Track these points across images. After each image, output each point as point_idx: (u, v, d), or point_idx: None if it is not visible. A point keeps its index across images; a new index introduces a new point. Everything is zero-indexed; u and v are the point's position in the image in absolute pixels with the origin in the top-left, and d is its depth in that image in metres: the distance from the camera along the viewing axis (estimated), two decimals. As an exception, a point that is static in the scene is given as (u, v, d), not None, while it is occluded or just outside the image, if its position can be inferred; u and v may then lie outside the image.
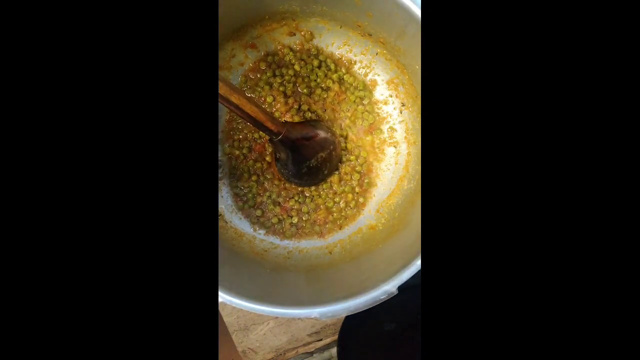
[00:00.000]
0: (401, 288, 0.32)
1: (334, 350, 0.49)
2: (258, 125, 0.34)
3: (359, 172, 0.43)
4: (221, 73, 0.43)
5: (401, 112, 0.43)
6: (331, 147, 0.41)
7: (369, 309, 0.32)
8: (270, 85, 0.43)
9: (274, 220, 0.43)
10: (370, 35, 0.41)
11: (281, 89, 0.43)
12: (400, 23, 0.35)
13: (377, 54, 0.42)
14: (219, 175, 0.43)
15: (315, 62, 0.43)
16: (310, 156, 0.40)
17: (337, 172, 0.43)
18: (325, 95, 0.43)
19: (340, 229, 0.43)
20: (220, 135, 0.43)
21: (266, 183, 0.44)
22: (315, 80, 0.43)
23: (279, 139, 0.36)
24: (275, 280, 0.39)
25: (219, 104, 0.31)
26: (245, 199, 0.43)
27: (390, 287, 0.32)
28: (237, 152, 0.43)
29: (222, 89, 0.30)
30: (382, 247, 0.39)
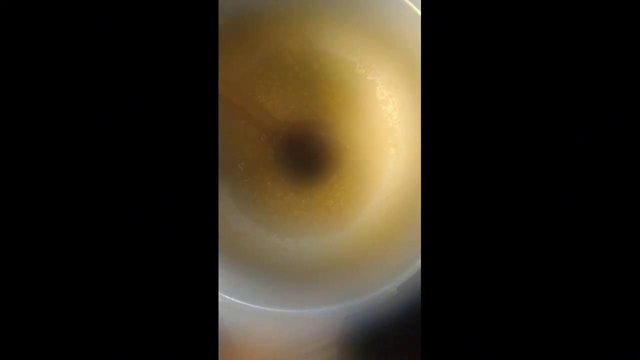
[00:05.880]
0: (401, 288, 0.32)
1: (334, 351, 0.49)
2: (258, 125, 0.34)
3: (358, 172, 0.43)
4: (221, 73, 0.43)
5: (401, 112, 0.43)
6: (331, 147, 0.41)
7: (369, 309, 0.32)
8: (270, 87, 0.43)
9: (275, 217, 0.43)
10: (370, 35, 0.41)
11: (281, 91, 0.43)
12: (400, 23, 0.35)
13: (377, 54, 0.42)
14: (219, 175, 0.43)
15: (317, 65, 0.43)
16: (310, 156, 0.40)
17: (337, 172, 0.43)
18: (328, 99, 0.43)
19: (340, 228, 0.43)
20: (220, 136, 0.43)
21: (267, 182, 0.44)
22: (317, 84, 0.43)
23: (278, 138, 0.37)
24: (275, 280, 0.39)
25: (219, 104, 0.31)
26: (246, 197, 0.43)
27: (390, 287, 0.32)
28: (236, 153, 0.43)
29: (222, 89, 0.30)
30: (382, 247, 0.39)
